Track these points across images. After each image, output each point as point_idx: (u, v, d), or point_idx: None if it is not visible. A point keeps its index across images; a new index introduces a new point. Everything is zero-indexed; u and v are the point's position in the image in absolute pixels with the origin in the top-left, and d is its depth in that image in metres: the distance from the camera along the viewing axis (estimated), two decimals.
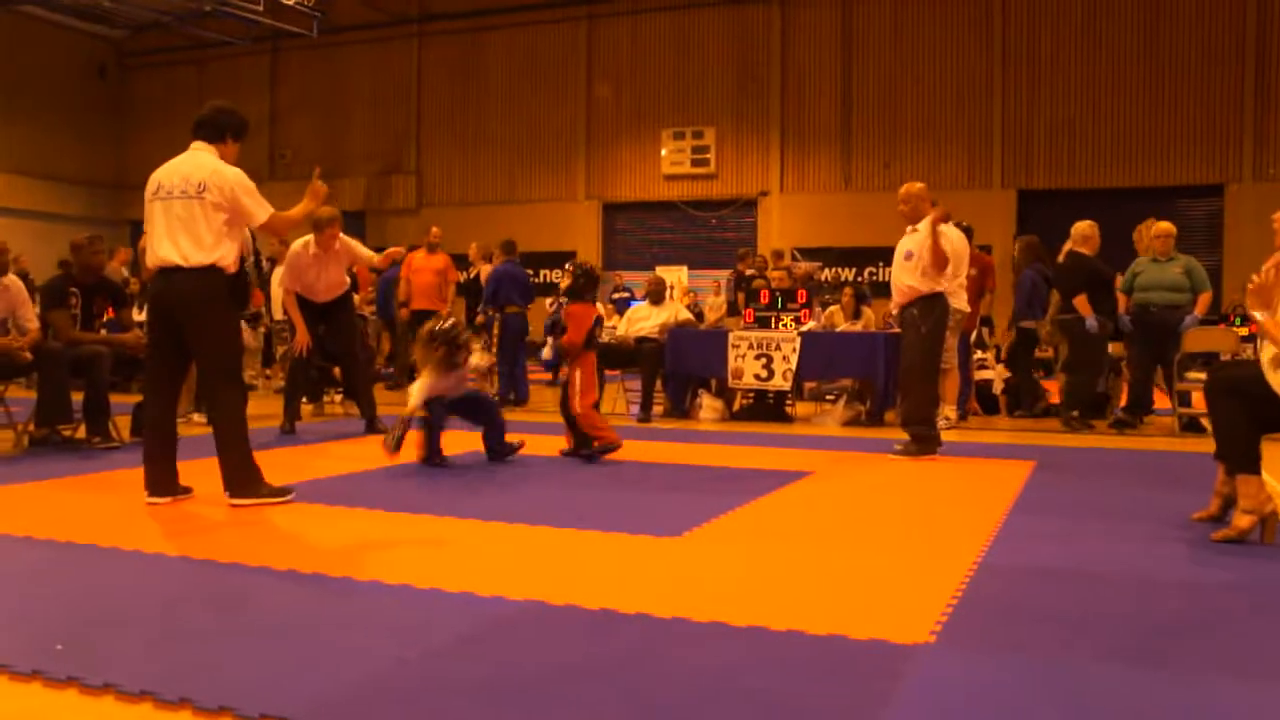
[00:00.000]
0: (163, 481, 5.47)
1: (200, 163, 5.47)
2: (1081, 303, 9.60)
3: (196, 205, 5.41)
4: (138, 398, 8.53)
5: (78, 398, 7.97)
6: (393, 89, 26.11)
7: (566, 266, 8.81)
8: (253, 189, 5.47)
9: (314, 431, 8.89)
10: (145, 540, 4.56)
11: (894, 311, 8.12)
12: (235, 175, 5.44)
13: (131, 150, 29.05)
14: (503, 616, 3.40)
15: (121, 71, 29.44)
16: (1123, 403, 9.92)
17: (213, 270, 5.37)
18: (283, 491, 5.53)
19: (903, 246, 7.68)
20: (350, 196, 26.25)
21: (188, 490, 5.55)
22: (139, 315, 10.49)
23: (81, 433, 8.03)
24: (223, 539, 4.47)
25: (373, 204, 26.89)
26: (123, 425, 8.28)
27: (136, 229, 14.97)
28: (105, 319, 8.71)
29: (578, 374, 7.40)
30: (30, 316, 7.94)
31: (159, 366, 5.57)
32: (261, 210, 5.48)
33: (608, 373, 10.95)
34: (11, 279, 7.80)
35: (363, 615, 3.42)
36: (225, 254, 5.39)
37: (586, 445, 7.33)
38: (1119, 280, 9.68)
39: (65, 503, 5.67)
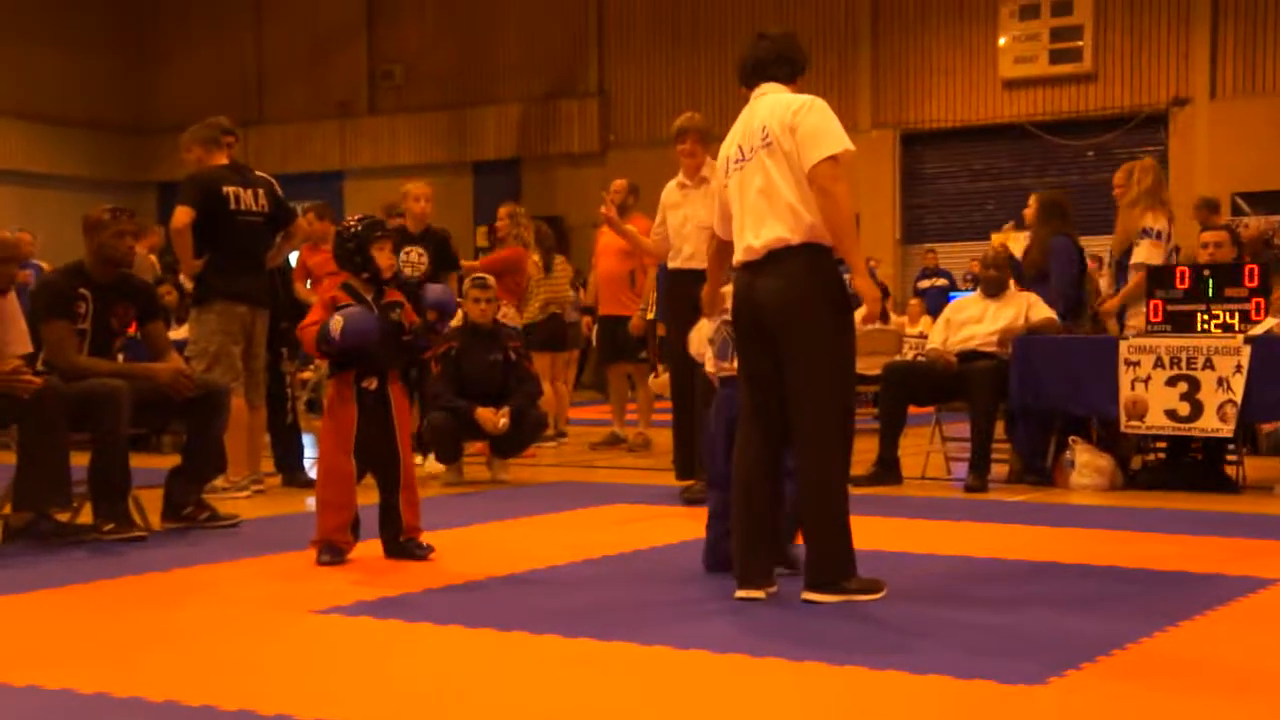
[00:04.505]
0: (759, 568, 5.46)
1: (766, 104, 5.32)
2: None
3: (766, 159, 5.19)
4: (173, 459, 7.97)
5: (80, 462, 7.12)
6: None
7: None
8: (826, 114, 5.11)
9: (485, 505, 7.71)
10: (188, 688, 3.88)
11: None
12: (801, 100, 5.24)
13: (155, 83, 26.25)
14: None
15: None
16: None
17: (808, 251, 5.12)
18: (874, 586, 5.37)
19: None
20: (497, 137, 23.99)
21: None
22: (179, 332, 9.82)
23: (86, 516, 7.23)
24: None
25: (532, 147, 24.06)
26: (150, 503, 7.44)
27: (166, 195, 11.45)
28: (127, 335, 7.80)
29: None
30: (19, 338, 7.00)
31: (752, 399, 5.51)
32: (826, 144, 5.02)
33: (911, 411, 9.46)
34: None
35: None
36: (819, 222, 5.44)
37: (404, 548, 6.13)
38: None
39: (62, 628, 5.12)
